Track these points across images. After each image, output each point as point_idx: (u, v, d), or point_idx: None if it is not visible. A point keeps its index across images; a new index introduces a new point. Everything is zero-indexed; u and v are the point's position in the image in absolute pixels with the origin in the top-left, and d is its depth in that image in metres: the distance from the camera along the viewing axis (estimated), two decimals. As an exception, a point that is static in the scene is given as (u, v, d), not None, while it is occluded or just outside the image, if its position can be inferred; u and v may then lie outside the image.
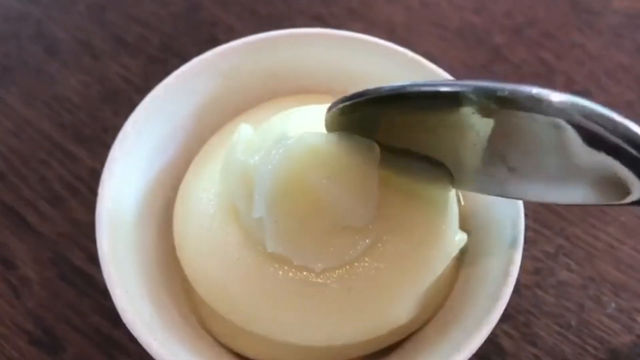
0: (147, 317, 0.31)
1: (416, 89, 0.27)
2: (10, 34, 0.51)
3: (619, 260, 0.41)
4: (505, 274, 0.31)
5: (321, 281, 0.31)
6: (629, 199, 0.27)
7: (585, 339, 0.39)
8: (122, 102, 0.47)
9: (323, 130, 0.31)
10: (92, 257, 0.41)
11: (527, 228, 0.33)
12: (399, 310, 0.32)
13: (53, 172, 0.45)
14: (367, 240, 0.31)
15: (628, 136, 0.24)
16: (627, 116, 0.25)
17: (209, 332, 0.35)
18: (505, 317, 0.31)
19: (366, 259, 0.31)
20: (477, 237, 0.34)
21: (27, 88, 0.48)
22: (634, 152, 0.24)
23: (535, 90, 0.24)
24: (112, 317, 0.39)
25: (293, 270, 0.31)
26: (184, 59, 0.37)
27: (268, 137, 0.31)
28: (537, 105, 0.24)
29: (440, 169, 0.31)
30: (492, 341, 0.39)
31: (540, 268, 0.41)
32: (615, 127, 0.24)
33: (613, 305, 0.40)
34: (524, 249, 0.32)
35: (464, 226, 0.34)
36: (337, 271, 0.31)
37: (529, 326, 0.39)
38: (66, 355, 0.39)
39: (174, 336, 0.32)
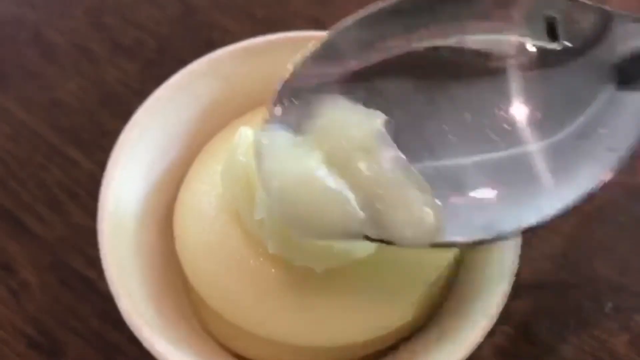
0: (151, 320, 0.31)
1: None
2: (7, 39, 0.51)
3: (616, 260, 0.42)
4: (503, 272, 0.32)
5: (322, 282, 0.31)
6: None
7: (583, 339, 0.39)
8: (120, 106, 0.47)
9: None
10: (92, 262, 0.41)
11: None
12: (400, 310, 0.32)
13: (52, 176, 0.45)
14: None
15: None
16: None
17: (212, 335, 0.35)
18: (504, 317, 0.31)
19: (367, 258, 0.31)
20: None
21: (25, 92, 0.48)
22: None
23: None
24: (112, 320, 0.39)
25: (294, 271, 0.31)
26: (181, 62, 0.37)
27: None
28: None
29: None
30: (490, 341, 0.39)
31: (538, 268, 0.41)
32: None
33: (610, 305, 0.40)
34: (522, 250, 0.32)
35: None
36: (338, 271, 0.31)
37: (527, 326, 0.40)
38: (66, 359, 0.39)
39: (177, 339, 0.32)
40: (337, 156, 0.26)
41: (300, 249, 0.30)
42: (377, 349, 0.34)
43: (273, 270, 0.31)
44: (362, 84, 0.28)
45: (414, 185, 0.26)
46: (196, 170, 0.36)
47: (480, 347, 0.31)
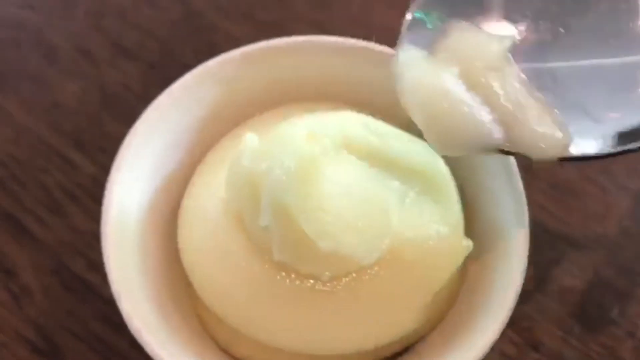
0: (153, 325, 0.31)
1: None
2: (8, 41, 0.50)
3: (621, 265, 0.41)
4: (511, 279, 0.31)
5: (328, 289, 0.31)
6: None
7: (588, 345, 0.39)
8: (121, 108, 0.47)
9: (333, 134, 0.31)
10: (93, 265, 0.41)
11: (530, 233, 0.33)
12: (406, 318, 0.32)
13: (53, 179, 0.44)
14: None
15: None
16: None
17: (214, 339, 0.35)
18: (509, 323, 0.31)
19: (373, 267, 0.31)
20: (482, 242, 0.34)
21: (26, 95, 0.48)
22: None
23: None
24: (113, 324, 0.39)
25: (300, 278, 0.31)
26: (183, 65, 0.37)
27: (275, 145, 0.31)
28: None
29: None
30: (495, 347, 0.38)
31: (542, 273, 0.41)
32: None
33: (616, 310, 0.40)
34: (528, 256, 0.32)
35: (468, 232, 0.34)
36: (344, 279, 0.31)
37: (532, 332, 0.39)
38: (67, 363, 0.39)
39: (180, 344, 0.32)
40: (470, 73, 0.28)
41: (305, 256, 0.30)
42: (383, 356, 0.34)
43: (278, 277, 0.31)
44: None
45: (540, 102, 0.28)
46: (200, 176, 0.36)
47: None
